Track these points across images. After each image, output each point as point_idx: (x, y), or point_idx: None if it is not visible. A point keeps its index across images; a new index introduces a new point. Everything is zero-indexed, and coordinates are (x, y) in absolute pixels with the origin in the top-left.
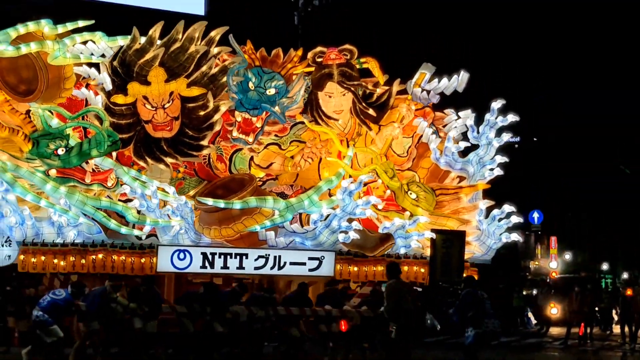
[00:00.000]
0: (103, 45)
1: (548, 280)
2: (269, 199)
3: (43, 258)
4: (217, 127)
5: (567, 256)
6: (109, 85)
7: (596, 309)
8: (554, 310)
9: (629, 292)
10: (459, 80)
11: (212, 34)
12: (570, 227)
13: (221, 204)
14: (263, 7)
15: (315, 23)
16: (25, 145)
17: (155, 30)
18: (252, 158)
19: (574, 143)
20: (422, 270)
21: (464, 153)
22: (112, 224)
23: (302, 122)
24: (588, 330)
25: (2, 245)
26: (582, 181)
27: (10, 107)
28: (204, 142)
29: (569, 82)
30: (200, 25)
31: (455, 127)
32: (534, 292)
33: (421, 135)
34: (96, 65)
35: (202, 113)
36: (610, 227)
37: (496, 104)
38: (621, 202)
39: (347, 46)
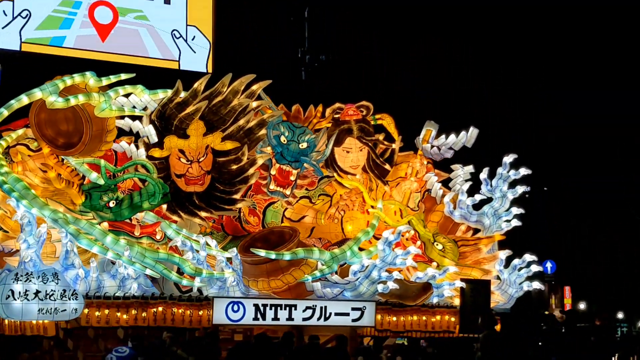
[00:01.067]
0: (146, 98)
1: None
2: (315, 250)
3: (107, 312)
4: (252, 181)
5: (582, 306)
6: (154, 138)
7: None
8: None
9: None
10: (468, 136)
11: (254, 87)
12: (585, 277)
13: (272, 255)
14: (269, 62)
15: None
16: (79, 198)
17: (201, 84)
18: (285, 211)
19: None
20: (453, 319)
21: (477, 206)
22: (174, 276)
23: (329, 176)
24: None
25: (69, 299)
26: (596, 226)
27: (55, 159)
28: (237, 196)
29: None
30: (247, 79)
31: (465, 180)
32: None
33: (428, 190)
34: (139, 118)
35: (234, 167)
36: (624, 273)
37: (508, 158)
38: (635, 249)
39: (364, 102)
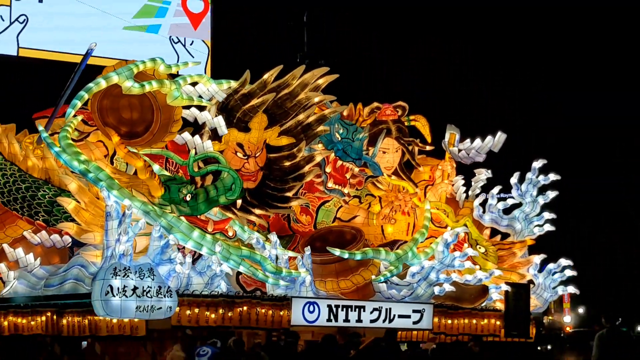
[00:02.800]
0: (213, 87)
1: (562, 335)
2: (382, 250)
3: (197, 310)
4: (308, 178)
5: (581, 310)
6: (223, 130)
7: None
8: None
9: None
10: (495, 141)
11: (320, 81)
12: (584, 279)
13: (346, 254)
14: (268, 67)
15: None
16: (159, 190)
17: (272, 75)
18: (338, 211)
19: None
20: (498, 322)
21: (507, 210)
22: (260, 274)
23: (373, 176)
24: None
25: (164, 296)
26: (595, 228)
27: (126, 149)
28: (289, 194)
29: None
30: (319, 72)
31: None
32: (549, 347)
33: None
34: (204, 109)
35: (287, 164)
36: (624, 278)
37: (537, 164)
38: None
39: (400, 103)
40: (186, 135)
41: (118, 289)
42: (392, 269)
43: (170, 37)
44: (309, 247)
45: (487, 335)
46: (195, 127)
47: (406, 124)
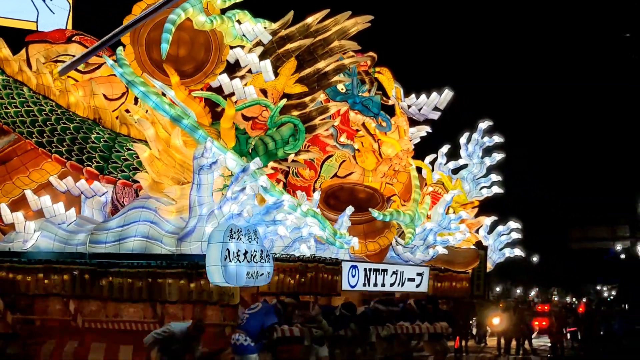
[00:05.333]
0: (258, 28)
1: None
2: (401, 212)
3: (281, 276)
4: (320, 130)
5: None
6: (270, 76)
7: (471, 322)
8: None
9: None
10: (441, 98)
11: (347, 24)
12: None
13: (380, 215)
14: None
15: None
16: (233, 141)
17: (317, 19)
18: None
19: None
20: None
21: (456, 171)
22: (331, 238)
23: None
24: (463, 343)
25: (265, 261)
26: None
27: (186, 90)
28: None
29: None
30: (362, 19)
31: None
32: None
33: None
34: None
35: (295, 113)
36: None
37: (483, 125)
38: None
39: (371, 53)
40: (224, 77)
41: (233, 253)
42: (411, 230)
43: None
44: (350, 207)
45: (460, 298)
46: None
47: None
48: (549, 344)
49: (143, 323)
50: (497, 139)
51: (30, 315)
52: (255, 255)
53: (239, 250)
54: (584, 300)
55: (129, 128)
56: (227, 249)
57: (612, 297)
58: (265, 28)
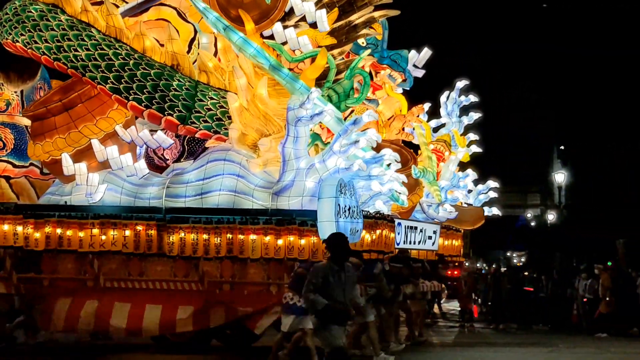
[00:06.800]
0: None
1: None
2: (427, 169)
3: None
4: None
5: None
6: (325, 26)
7: None
8: None
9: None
10: (420, 56)
11: None
12: None
13: (416, 170)
14: None
15: None
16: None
17: None
18: None
19: None
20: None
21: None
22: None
23: None
24: None
25: (359, 217)
26: None
27: (260, 38)
28: None
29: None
30: None
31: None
32: None
33: None
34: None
35: None
36: None
37: (460, 83)
38: None
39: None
40: (278, 26)
41: (342, 209)
42: (437, 188)
43: None
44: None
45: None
46: None
47: None
48: (459, 309)
49: (176, 282)
50: (472, 98)
51: (38, 274)
52: (354, 211)
53: (345, 206)
54: (494, 266)
55: (209, 76)
56: (338, 204)
57: (520, 264)
58: None
